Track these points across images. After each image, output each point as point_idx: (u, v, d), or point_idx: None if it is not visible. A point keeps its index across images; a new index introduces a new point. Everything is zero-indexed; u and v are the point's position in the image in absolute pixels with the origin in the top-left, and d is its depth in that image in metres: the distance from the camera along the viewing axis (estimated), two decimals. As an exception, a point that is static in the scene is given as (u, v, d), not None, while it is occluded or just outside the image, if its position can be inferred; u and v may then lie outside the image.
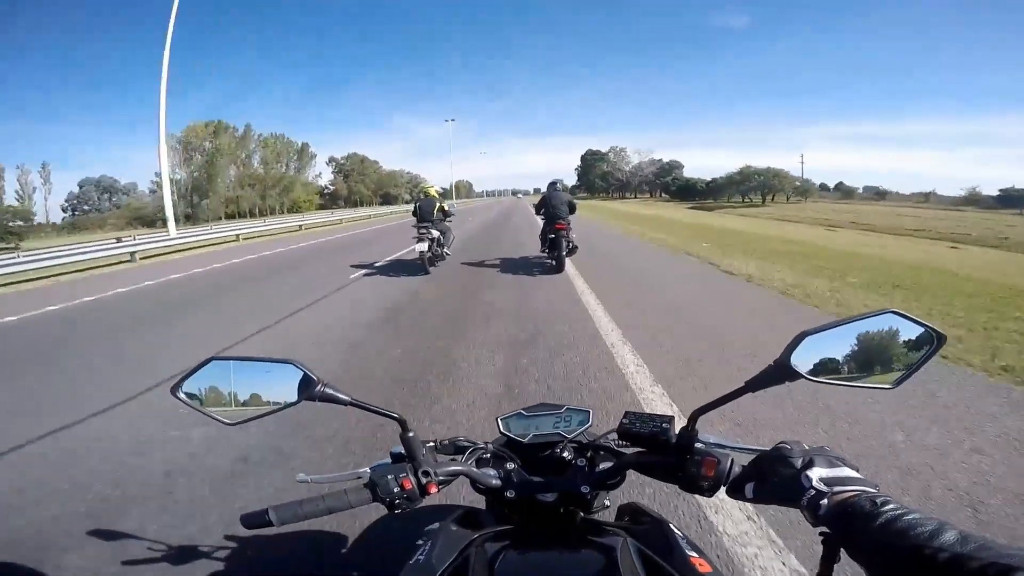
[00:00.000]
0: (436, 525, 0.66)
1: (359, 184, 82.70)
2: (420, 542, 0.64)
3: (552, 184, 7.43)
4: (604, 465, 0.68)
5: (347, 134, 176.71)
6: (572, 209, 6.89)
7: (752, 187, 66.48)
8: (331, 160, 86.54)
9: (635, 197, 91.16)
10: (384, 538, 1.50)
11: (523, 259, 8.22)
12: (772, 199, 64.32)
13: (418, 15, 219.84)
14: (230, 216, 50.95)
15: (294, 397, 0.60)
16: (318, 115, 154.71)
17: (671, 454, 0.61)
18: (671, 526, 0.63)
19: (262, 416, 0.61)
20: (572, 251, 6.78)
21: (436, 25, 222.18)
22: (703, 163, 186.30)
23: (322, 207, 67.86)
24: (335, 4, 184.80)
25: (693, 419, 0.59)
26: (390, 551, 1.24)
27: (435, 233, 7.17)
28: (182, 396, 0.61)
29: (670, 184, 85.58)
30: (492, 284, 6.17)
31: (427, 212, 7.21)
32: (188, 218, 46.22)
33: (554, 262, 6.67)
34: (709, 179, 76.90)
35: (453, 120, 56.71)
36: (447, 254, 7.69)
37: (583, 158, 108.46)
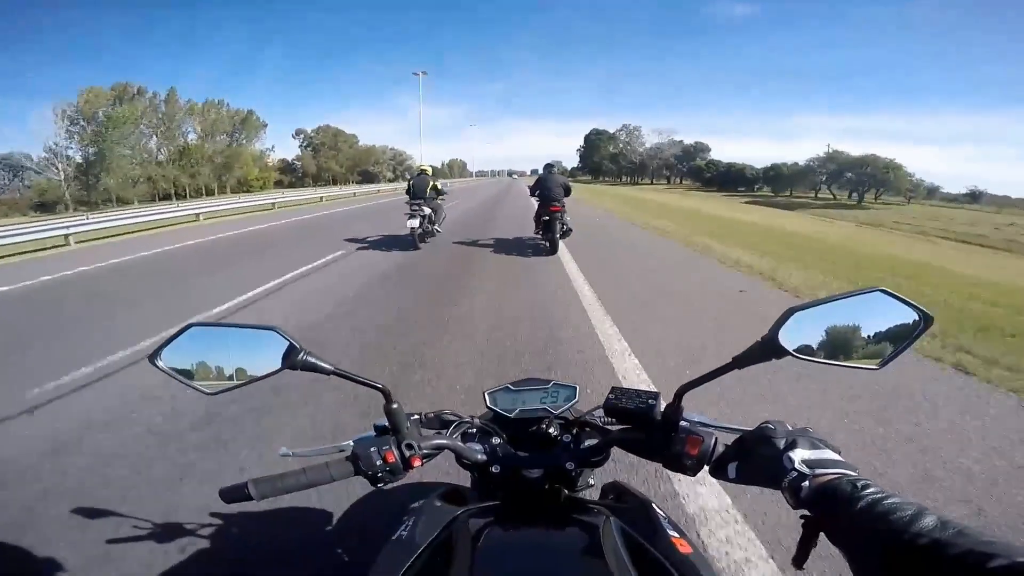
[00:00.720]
0: (420, 502, 0.72)
1: (330, 160, 78.68)
2: (404, 518, 0.69)
3: (548, 166, 8.02)
4: (589, 442, 0.75)
5: (337, 112, 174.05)
6: (567, 192, 7.64)
7: (851, 181, 55.39)
8: (298, 132, 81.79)
9: (651, 183, 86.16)
10: (368, 515, 1.61)
11: (516, 240, 8.76)
12: (861, 197, 54.49)
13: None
14: (151, 198, 42.88)
15: (277, 365, 0.64)
16: (305, 93, 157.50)
17: (656, 431, 0.66)
18: (654, 506, 0.69)
19: (244, 385, 0.65)
20: (566, 233, 7.47)
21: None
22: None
23: (291, 185, 63.97)
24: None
25: (679, 396, 0.64)
26: (374, 527, 1.36)
27: (427, 210, 7.98)
28: (161, 365, 0.64)
29: (703, 169, 77.52)
30: (483, 266, 6.51)
31: (420, 189, 8.08)
32: (83, 203, 39.98)
33: (548, 243, 7.37)
34: (767, 165, 66.57)
35: (424, 73, 46.37)
36: (438, 231, 8.56)
37: (587, 138, 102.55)
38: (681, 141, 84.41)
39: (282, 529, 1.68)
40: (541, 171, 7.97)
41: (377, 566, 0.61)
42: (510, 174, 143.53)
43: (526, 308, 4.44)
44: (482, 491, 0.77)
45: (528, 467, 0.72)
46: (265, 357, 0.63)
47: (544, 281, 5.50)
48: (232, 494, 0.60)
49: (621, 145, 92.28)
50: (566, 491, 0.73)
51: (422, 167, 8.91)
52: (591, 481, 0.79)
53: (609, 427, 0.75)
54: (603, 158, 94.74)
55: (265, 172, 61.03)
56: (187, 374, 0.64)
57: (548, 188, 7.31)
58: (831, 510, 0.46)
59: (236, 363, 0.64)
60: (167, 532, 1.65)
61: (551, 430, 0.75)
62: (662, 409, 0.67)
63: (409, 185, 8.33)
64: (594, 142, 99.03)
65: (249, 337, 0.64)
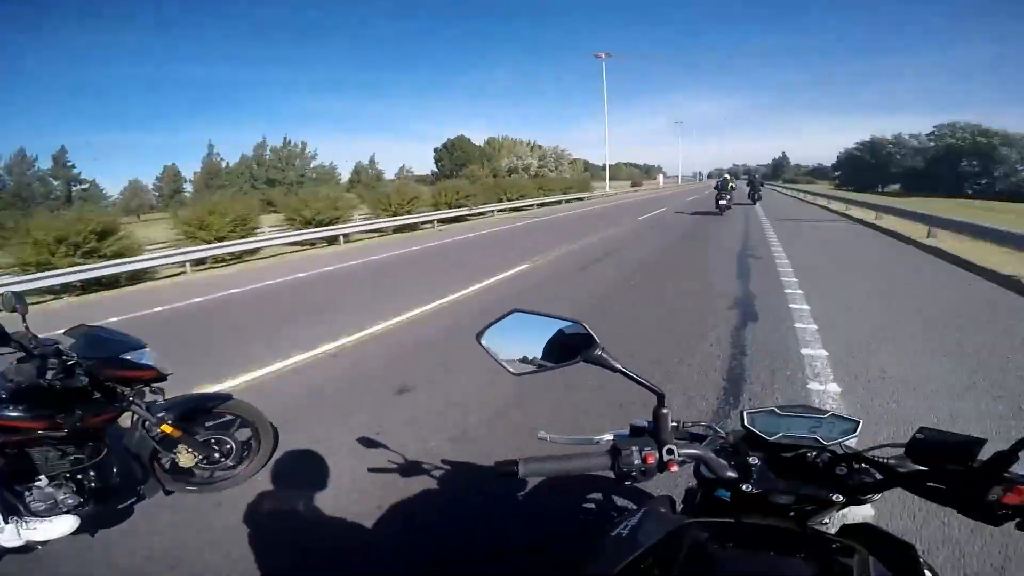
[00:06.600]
0: (638, 504, 0.79)
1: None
2: (618, 516, 0.74)
3: (749, 173, 27.21)
4: (864, 478, 0.71)
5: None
6: (762, 183, 24.07)
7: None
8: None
9: None
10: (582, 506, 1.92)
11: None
12: None
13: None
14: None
15: (574, 356, 0.73)
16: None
17: (973, 481, 0.62)
18: (917, 551, 0.65)
19: (543, 371, 0.76)
20: (759, 198, 21.10)
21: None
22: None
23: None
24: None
25: (1018, 447, 0.60)
26: (584, 519, 1.76)
27: (727, 197, 17.29)
28: (483, 343, 0.78)
29: None
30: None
31: (723, 187, 17.51)
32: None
33: (752, 201, 20.78)
34: None
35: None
36: (730, 207, 17.63)
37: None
38: None
39: (507, 497, 2.05)
40: (747, 176, 21.83)
41: (596, 557, 0.66)
42: (724, 177, 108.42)
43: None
44: (699, 506, 0.77)
45: (784, 494, 0.70)
46: (566, 346, 0.74)
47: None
48: (504, 468, 0.70)
49: None
50: (809, 523, 0.71)
51: (725, 175, 19.13)
52: (826, 520, 0.76)
53: (897, 468, 0.70)
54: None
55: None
56: (501, 353, 0.77)
57: (752, 183, 22.05)
58: None
59: (541, 349, 0.76)
60: (412, 468, 2.17)
61: (818, 460, 0.73)
62: (984, 458, 0.63)
63: (717, 184, 18.17)
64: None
65: (557, 326, 0.75)
